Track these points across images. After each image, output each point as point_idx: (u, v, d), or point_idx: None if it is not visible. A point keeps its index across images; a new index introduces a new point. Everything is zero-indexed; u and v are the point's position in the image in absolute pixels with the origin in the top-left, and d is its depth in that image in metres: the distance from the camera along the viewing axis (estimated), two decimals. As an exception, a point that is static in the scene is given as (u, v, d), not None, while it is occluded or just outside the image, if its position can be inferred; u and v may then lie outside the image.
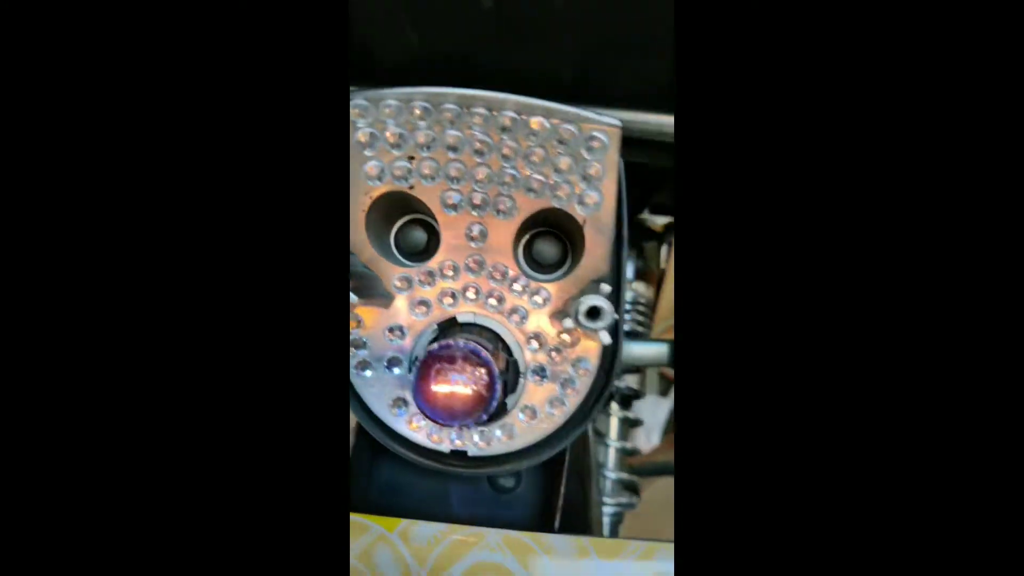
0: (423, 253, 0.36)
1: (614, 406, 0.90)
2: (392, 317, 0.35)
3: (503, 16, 0.45)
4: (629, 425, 0.91)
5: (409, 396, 0.35)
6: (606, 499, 0.86)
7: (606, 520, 0.87)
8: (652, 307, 0.93)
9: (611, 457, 0.87)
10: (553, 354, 0.35)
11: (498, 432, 0.35)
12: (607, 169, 0.31)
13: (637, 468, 1.19)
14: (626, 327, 0.92)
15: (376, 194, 0.33)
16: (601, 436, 0.88)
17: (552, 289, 0.34)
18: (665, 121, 0.50)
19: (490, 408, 0.30)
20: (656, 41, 0.44)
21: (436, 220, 0.34)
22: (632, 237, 1.00)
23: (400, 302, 0.35)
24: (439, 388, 0.29)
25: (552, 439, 0.35)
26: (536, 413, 0.35)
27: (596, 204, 0.32)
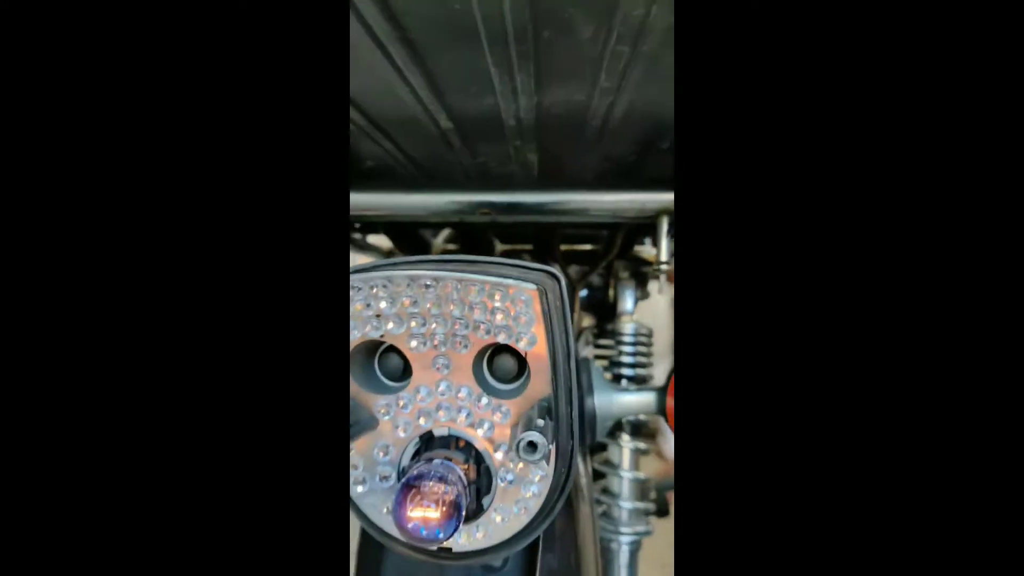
0: (403, 374, 0.41)
1: (625, 437, 0.94)
2: (379, 437, 0.40)
3: (461, 131, 0.50)
4: (640, 454, 0.94)
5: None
6: (623, 529, 0.90)
7: (625, 549, 0.91)
8: (651, 335, 0.96)
9: (624, 487, 0.91)
10: (518, 463, 0.39)
11: (478, 533, 0.40)
12: (535, 316, 0.36)
13: (662, 484, 1.22)
14: (627, 359, 0.96)
15: (355, 344, 0.38)
16: (614, 467, 0.92)
17: (511, 405, 0.39)
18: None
19: (459, 523, 0.35)
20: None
21: (406, 356, 0.39)
22: (631, 269, 1.04)
23: (384, 425, 0.40)
24: (414, 513, 0.34)
25: (524, 532, 0.40)
26: (506, 516, 0.40)
27: (531, 341, 0.36)
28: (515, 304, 0.36)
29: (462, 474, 0.37)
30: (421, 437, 0.40)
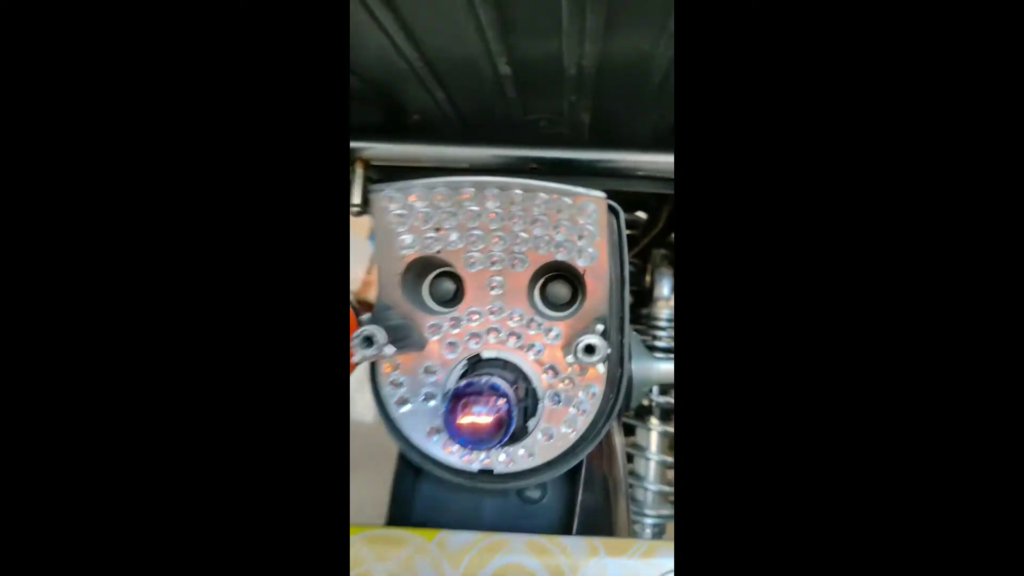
0: (452, 300, 0.42)
1: (654, 420, 0.94)
2: (426, 358, 0.41)
3: (520, 79, 0.50)
4: (669, 439, 0.94)
5: (443, 425, 0.41)
6: (647, 511, 0.90)
7: (648, 531, 0.91)
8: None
9: (651, 470, 0.91)
10: (566, 382, 0.40)
11: (521, 451, 0.41)
12: (599, 230, 0.36)
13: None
14: (662, 343, 0.96)
15: (409, 259, 0.39)
16: (642, 450, 0.92)
17: (563, 327, 0.40)
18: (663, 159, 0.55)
19: (508, 432, 0.36)
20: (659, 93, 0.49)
21: (460, 275, 0.40)
22: (669, 255, 1.04)
23: (432, 345, 0.41)
24: (464, 420, 0.35)
25: (567, 454, 0.41)
26: (553, 434, 0.41)
27: (593, 257, 0.37)
28: (580, 215, 0.36)
29: (511, 391, 0.38)
30: (468, 360, 0.41)
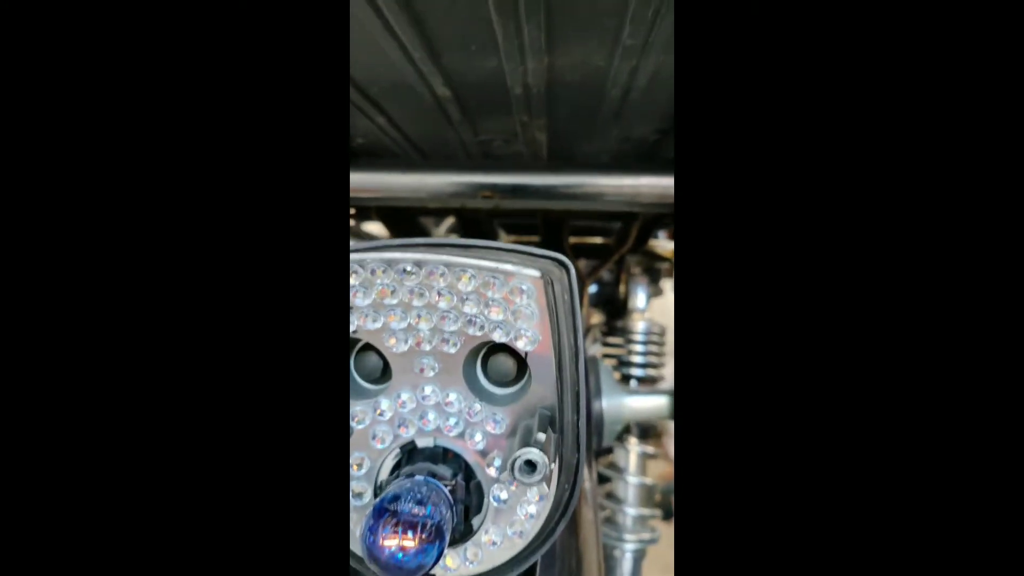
0: (381, 377, 0.36)
1: (632, 440, 0.89)
2: (353, 449, 0.35)
3: (462, 101, 0.44)
4: (647, 458, 0.89)
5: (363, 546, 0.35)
6: (627, 536, 0.85)
7: (628, 556, 0.86)
8: (663, 333, 0.91)
9: (630, 493, 0.86)
10: (513, 482, 0.34)
11: (466, 554, 0.35)
12: (538, 311, 0.30)
13: (669, 487, 1.17)
14: (638, 359, 0.91)
15: None
16: (620, 471, 0.87)
17: (506, 413, 0.34)
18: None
19: (440, 552, 0.30)
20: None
21: (387, 359, 0.34)
22: (644, 264, 0.98)
23: (359, 435, 0.35)
24: (388, 542, 0.29)
25: (519, 558, 0.35)
26: (498, 539, 0.35)
27: (534, 338, 0.31)
28: (514, 295, 0.30)
29: (447, 494, 0.32)
30: (402, 448, 0.35)
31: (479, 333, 0.31)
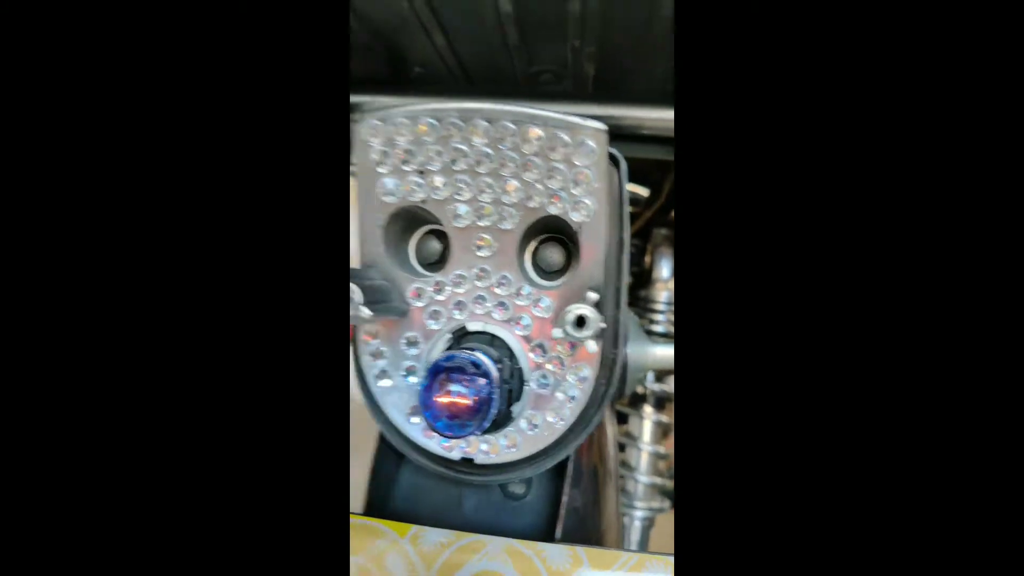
0: (440, 262, 0.37)
1: (648, 409, 0.89)
2: (408, 328, 0.36)
3: (522, 20, 0.45)
4: (663, 429, 0.90)
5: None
6: (637, 503, 0.85)
7: (637, 524, 0.86)
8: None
9: (643, 461, 0.86)
10: (555, 362, 0.35)
11: (503, 440, 0.36)
12: (598, 175, 0.31)
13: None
14: (660, 328, 0.91)
15: (392, 209, 0.34)
16: (634, 439, 0.88)
17: (553, 296, 0.35)
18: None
19: (488, 418, 0.31)
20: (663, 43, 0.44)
21: (447, 232, 0.35)
22: (671, 236, 0.99)
23: (415, 313, 0.36)
24: (442, 398, 0.30)
25: (554, 447, 0.36)
26: (539, 423, 0.35)
27: (589, 210, 0.32)
28: (577, 154, 0.31)
29: (495, 371, 0.33)
30: (453, 333, 0.36)
31: (536, 206, 0.32)
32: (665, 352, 0.64)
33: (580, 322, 0.29)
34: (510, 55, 0.50)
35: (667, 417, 0.89)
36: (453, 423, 0.31)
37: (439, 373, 0.31)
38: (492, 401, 0.31)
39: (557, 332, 0.30)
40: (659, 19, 0.43)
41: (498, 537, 0.33)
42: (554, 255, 0.36)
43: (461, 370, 0.31)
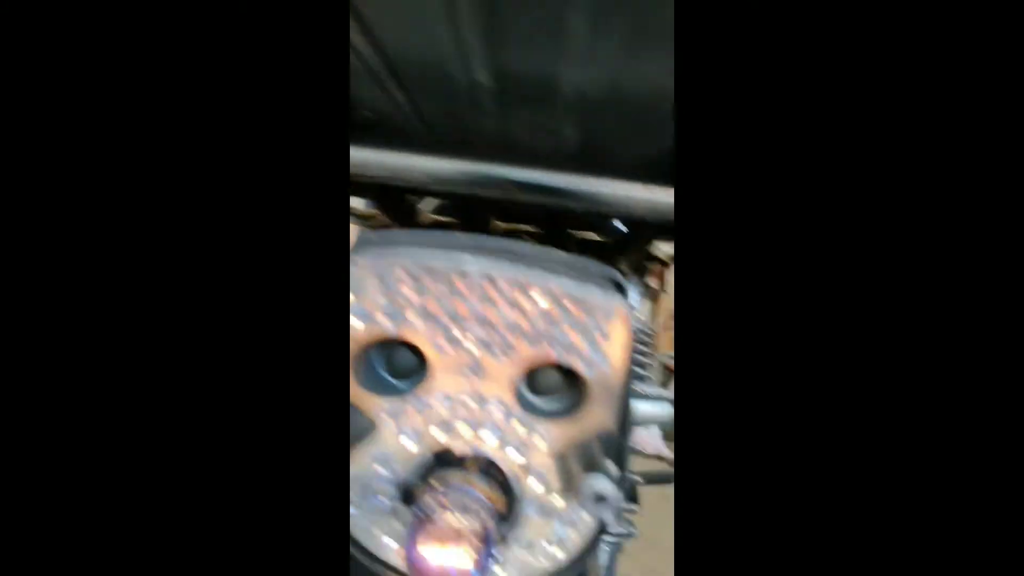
0: (415, 374, 0.34)
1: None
2: (378, 447, 0.33)
3: (500, 91, 0.42)
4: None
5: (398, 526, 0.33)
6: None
7: (605, 550, 0.86)
8: (651, 335, 0.91)
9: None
10: (555, 496, 0.33)
11: (503, 571, 0.33)
12: (612, 338, 0.29)
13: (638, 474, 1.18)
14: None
15: (360, 340, 0.30)
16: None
17: (553, 428, 0.32)
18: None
19: (488, 561, 0.29)
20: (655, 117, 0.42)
21: (427, 357, 0.32)
22: (635, 264, 0.98)
23: (388, 432, 0.33)
24: (432, 562, 0.28)
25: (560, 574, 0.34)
26: (535, 549, 0.33)
27: (599, 364, 0.29)
28: (590, 316, 0.29)
29: (489, 505, 0.31)
30: (436, 455, 0.33)
31: (537, 348, 0.30)
32: (648, 409, 0.63)
33: (600, 500, 0.27)
34: (480, 116, 0.47)
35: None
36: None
37: (425, 524, 0.28)
38: (490, 542, 0.29)
39: (571, 502, 0.28)
40: (657, 112, 0.40)
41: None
42: (552, 379, 0.33)
43: (450, 525, 0.28)
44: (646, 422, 0.60)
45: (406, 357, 0.34)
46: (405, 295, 0.30)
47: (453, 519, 0.29)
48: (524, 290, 0.29)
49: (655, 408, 0.61)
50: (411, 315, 0.30)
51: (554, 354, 0.30)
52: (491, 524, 0.29)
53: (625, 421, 0.32)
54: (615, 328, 0.29)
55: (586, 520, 0.33)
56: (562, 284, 0.28)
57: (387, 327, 0.31)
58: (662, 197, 0.47)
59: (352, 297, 0.30)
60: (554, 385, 0.33)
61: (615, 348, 0.29)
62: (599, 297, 0.28)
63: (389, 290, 0.29)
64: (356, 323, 0.31)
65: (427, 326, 0.31)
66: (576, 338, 0.29)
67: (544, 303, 0.29)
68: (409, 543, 0.28)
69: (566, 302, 0.28)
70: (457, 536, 0.28)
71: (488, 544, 0.29)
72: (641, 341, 0.91)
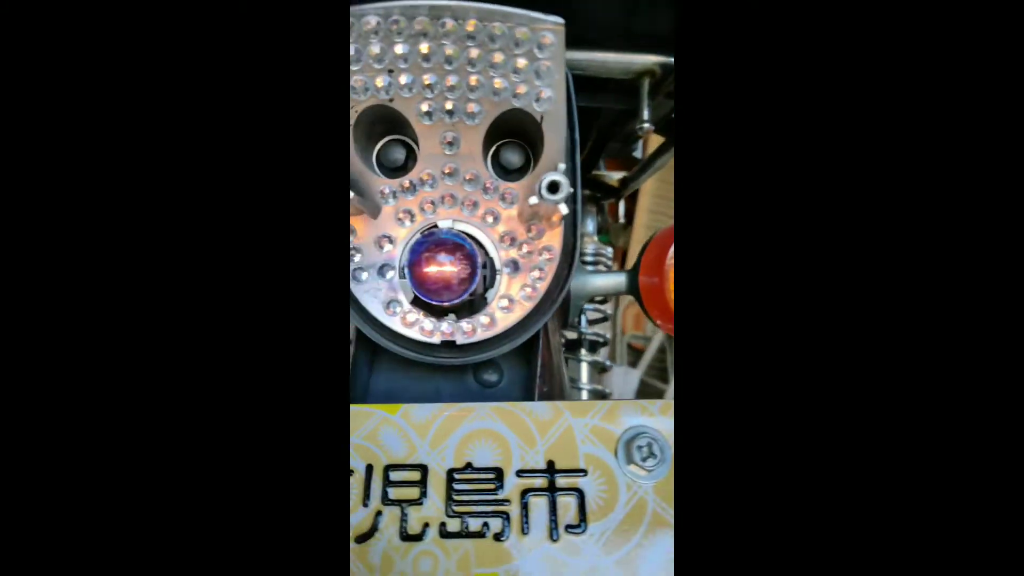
0: (401, 169, 0.40)
1: (583, 352, 0.96)
2: (381, 227, 0.39)
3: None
4: (599, 370, 0.96)
5: (401, 297, 0.39)
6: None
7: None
8: (612, 258, 0.98)
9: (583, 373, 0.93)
10: (523, 247, 0.39)
11: (481, 319, 0.39)
12: (556, 65, 0.35)
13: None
14: (590, 269, 0.98)
15: (361, 107, 0.37)
16: (574, 382, 0.94)
17: (519, 189, 0.39)
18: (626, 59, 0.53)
19: (472, 285, 0.35)
20: None
21: (414, 130, 0.38)
22: (591, 193, 1.05)
23: (386, 213, 0.39)
24: (430, 268, 0.34)
25: (526, 322, 0.40)
26: (512, 301, 0.40)
27: (550, 99, 0.36)
28: (538, 47, 0.35)
29: (475, 248, 0.37)
30: (423, 233, 0.40)
31: (501, 100, 0.36)
32: (601, 281, 0.70)
33: (553, 188, 0.33)
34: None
35: (601, 359, 0.96)
36: (441, 290, 0.34)
37: (425, 248, 0.34)
38: (475, 272, 0.35)
39: (533, 199, 0.34)
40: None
41: (483, 403, 0.36)
42: (513, 157, 0.40)
43: (444, 245, 0.34)
44: (604, 292, 0.67)
45: (396, 153, 0.41)
46: (395, 48, 0.35)
47: (448, 250, 0.35)
48: (487, 22, 0.35)
49: (612, 279, 0.68)
50: (396, 79, 0.36)
51: (512, 101, 0.36)
52: (477, 258, 0.36)
53: (573, 170, 0.38)
54: (558, 54, 0.35)
55: (550, 264, 0.39)
56: (515, 13, 0.35)
57: (383, 95, 0.36)
58: (601, 58, 0.54)
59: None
60: (514, 161, 0.40)
61: (560, 77, 0.36)
62: (543, 19, 0.34)
63: (371, 50, 0.35)
64: (356, 97, 0.36)
65: (411, 94, 0.37)
66: (528, 74, 0.36)
67: (501, 32, 0.35)
68: (411, 266, 0.34)
69: (518, 27, 0.35)
70: (451, 253, 0.34)
71: (475, 262, 0.35)
72: (599, 260, 0.98)
